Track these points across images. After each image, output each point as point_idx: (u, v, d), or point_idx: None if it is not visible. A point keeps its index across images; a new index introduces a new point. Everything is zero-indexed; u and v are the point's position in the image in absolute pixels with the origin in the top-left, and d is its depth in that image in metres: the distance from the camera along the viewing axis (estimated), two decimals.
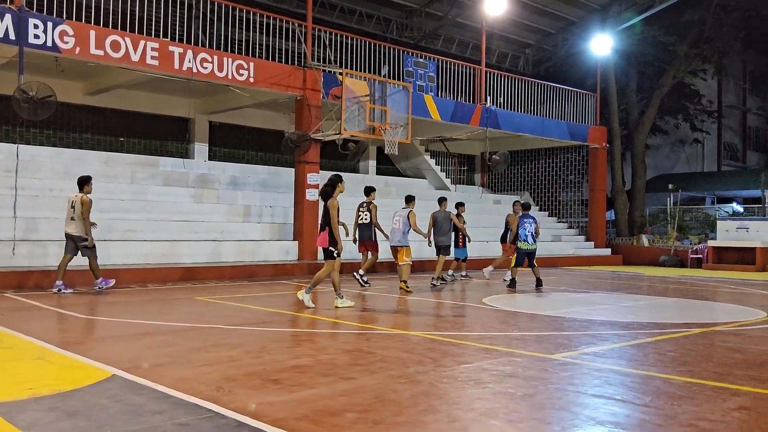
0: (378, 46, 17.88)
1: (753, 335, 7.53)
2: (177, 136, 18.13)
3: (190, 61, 13.73)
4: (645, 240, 23.80)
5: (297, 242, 15.55)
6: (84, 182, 10.56)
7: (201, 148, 18.31)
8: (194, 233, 14.62)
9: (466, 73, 20.43)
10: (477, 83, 20.31)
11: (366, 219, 12.05)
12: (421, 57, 18.86)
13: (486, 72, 20.35)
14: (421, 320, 8.71)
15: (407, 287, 11.52)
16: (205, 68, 13.99)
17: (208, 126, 18.54)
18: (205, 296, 10.48)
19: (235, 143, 19.25)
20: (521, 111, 21.38)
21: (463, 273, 14.42)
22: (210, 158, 18.37)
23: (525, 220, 12.72)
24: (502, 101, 20.92)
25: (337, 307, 9.14)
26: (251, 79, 14.65)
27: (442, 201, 13.53)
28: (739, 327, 8.11)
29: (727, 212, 26.56)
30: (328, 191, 9.19)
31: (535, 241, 12.67)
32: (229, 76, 14.33)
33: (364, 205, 12.16)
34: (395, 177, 22.24)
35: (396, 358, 5.83)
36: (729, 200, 31.58)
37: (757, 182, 25.20)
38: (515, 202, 14.32)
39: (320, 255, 15.69)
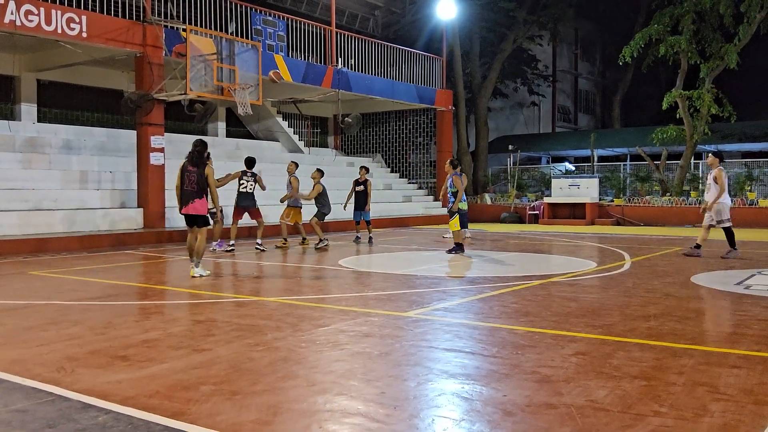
0: (224, 2, 17.13)
1: (585, 284, 8.20)
2: (0, 96, 16.42)
3: (12, 13, 12.39)
4: (488, 198, 25.11)
5: (141, 209, 14.77)
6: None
7: (29, 109, 16.71)
8: (24, 202, 13.43)
9: (316, 33, 20.17)
10: (328, 44, 20.13)
11: (251, 188, 12.55)
12: (269, 15, 18.33)
13: (336, 33, 20.21)
14: (277, 285, 8.63)
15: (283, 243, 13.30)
16: (31, 21, 12.70)
17: (36, 85, 16.93)
18: (39, 270, 9.69)
19: (67, 103, 17.75)
20: (372, 73, 21.53)
21: (358, 235, 14.73)
22: (39, 120, 16.84)
23: (460, 178, 11.97)
24: (353, 63, 20.93)
25: (193, 276, 8.86)
26: (84, 34, 13.50)
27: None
28: (573, 277, 8.80)
29: (561, 171, 28.64)
30: (201, 157, 8.92)
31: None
32: (59, 31, 13.12)
33: (249, 174, 12.63)
34: (246, 140, 21.67)
35: (252, 325, 5.74)
36: (562, 159, 34.03)
37: (587, 142, 27.29)
38: (451, 160, 12.45)
39: (167, 221, 15.04)
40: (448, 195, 12.09)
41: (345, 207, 14.66)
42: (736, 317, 6.01)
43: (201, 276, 8.89)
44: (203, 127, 20.63)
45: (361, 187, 14.45)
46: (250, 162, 12.79)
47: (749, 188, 21.64)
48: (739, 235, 16.44)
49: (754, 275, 8.90)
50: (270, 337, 5.28)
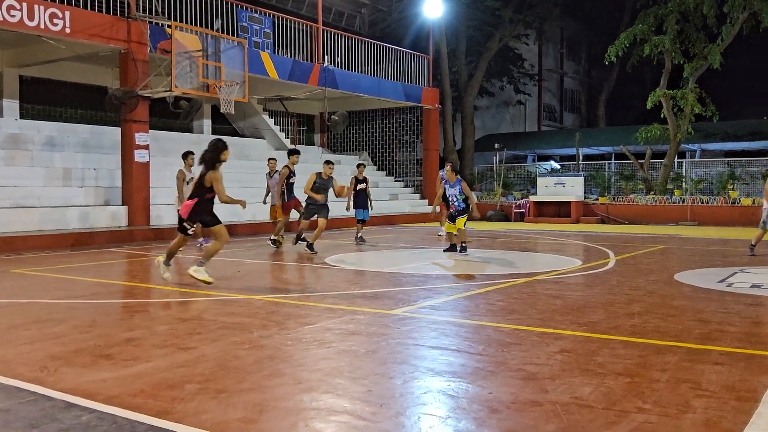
0: None
1: (570, 282, 8.24)
2: None
3: None
4: (474, 197, 25.12)
5: (126, 207, 14.66)
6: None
7: (11, 105, 16.53)
8: (6, 199, 13.29)
9: (303, 30, 20.10)
10: (314, 41, 20.08)
11: (293, 181, 12.52)
12: (256, 12, 18.24)
13: (323, 30, 20.17)
14: (263, 284, 8.61)
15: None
16: (13, 16, 12.56)
17: (18, 80, 16.74)
18: (22, 268, 9.60)
19: (50, 100, 17.57)
20: (358, 71, 21.51)
21: (361, 234, 14.11)
22: (22, 116, 16.66)
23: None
24: (339, 61, 20.90)
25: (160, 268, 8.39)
26: (67, 30, 13.37)
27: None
28: (558, 275, 8.85)
29: (546, 169, 28.75)
30: (210, 158, 7.73)
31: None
32: (42, 26, 12.98)
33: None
34: (232, 137, 21.53)
35: (238, 323, 5.72)
36: (548, 158, 34.16)
37: (573, 141, 27.41)
38: (448, 163, 12.69)
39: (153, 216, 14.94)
40: (457, 201, 11.65)
41: (348, 208, 13.95)
42: (718, 315, 6.07)
43: (161, 271, 7.97)
44: (188, 125, 20.53)
45: (363, 185, 13.93)
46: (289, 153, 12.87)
47: (731, 187, 21.84)
48: (722, 233, 16.62)
49: (737, 273, 9.00)
50: (256, 335, 5.26)
